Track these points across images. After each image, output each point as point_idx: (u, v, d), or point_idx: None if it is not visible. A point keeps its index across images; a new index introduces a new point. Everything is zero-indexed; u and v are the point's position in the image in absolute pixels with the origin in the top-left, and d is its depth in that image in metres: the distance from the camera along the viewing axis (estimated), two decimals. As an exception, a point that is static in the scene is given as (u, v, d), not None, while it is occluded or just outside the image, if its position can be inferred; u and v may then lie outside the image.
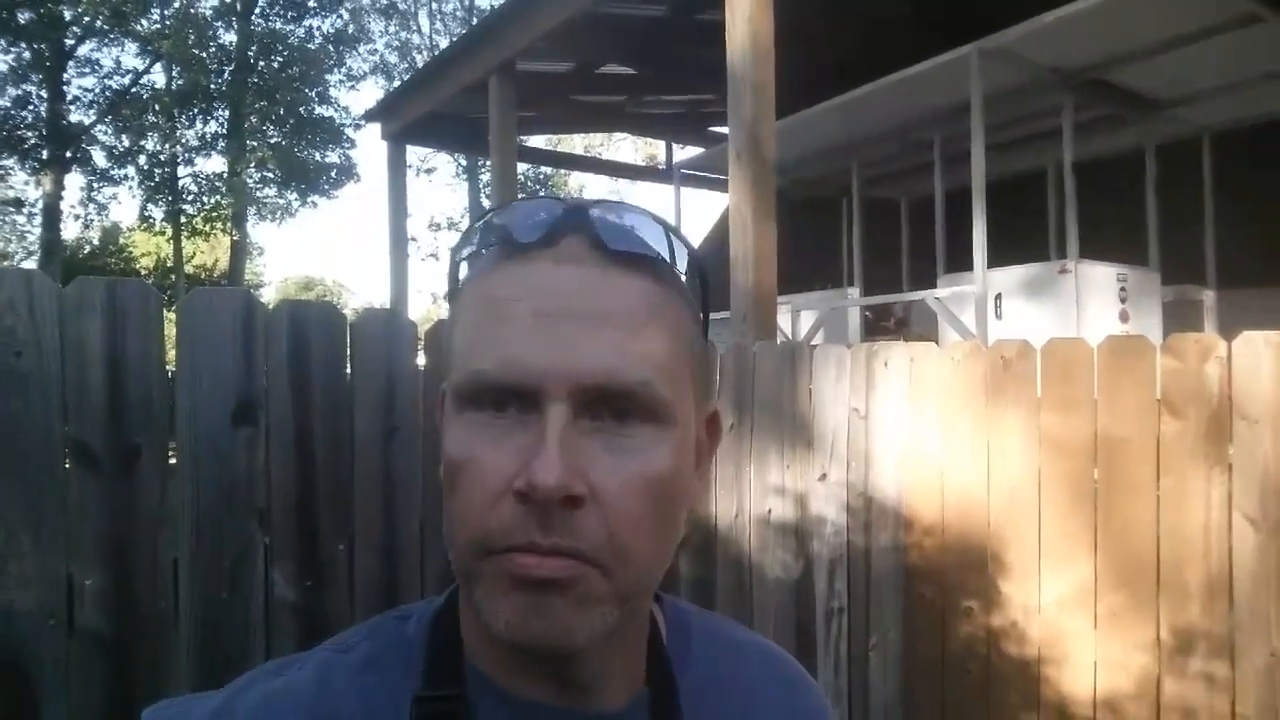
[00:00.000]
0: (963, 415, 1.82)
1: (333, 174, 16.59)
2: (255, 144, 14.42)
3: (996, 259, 4.28)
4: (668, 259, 0.47)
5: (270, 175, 15.09)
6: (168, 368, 1.35)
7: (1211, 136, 5.18)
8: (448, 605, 0.51)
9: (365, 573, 1.47)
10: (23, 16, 10.63)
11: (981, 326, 4.18)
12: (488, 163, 6.88)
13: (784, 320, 5.33)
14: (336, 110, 16.98)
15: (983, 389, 1.79)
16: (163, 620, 1.30)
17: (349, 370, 1.48)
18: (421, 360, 1.57)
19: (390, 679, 0.48)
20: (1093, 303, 4.08)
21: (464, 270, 0.48)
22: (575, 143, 18.48)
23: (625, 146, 21.68)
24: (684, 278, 0.48)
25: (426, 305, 23.09)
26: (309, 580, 1.42)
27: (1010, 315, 4.22)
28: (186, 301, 1.36)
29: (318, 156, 15.86)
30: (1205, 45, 4.02)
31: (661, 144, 10.29)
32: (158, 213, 14.71)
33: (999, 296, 4.26)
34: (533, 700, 0.47)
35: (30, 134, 12.14)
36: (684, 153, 9.02)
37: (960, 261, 4.56)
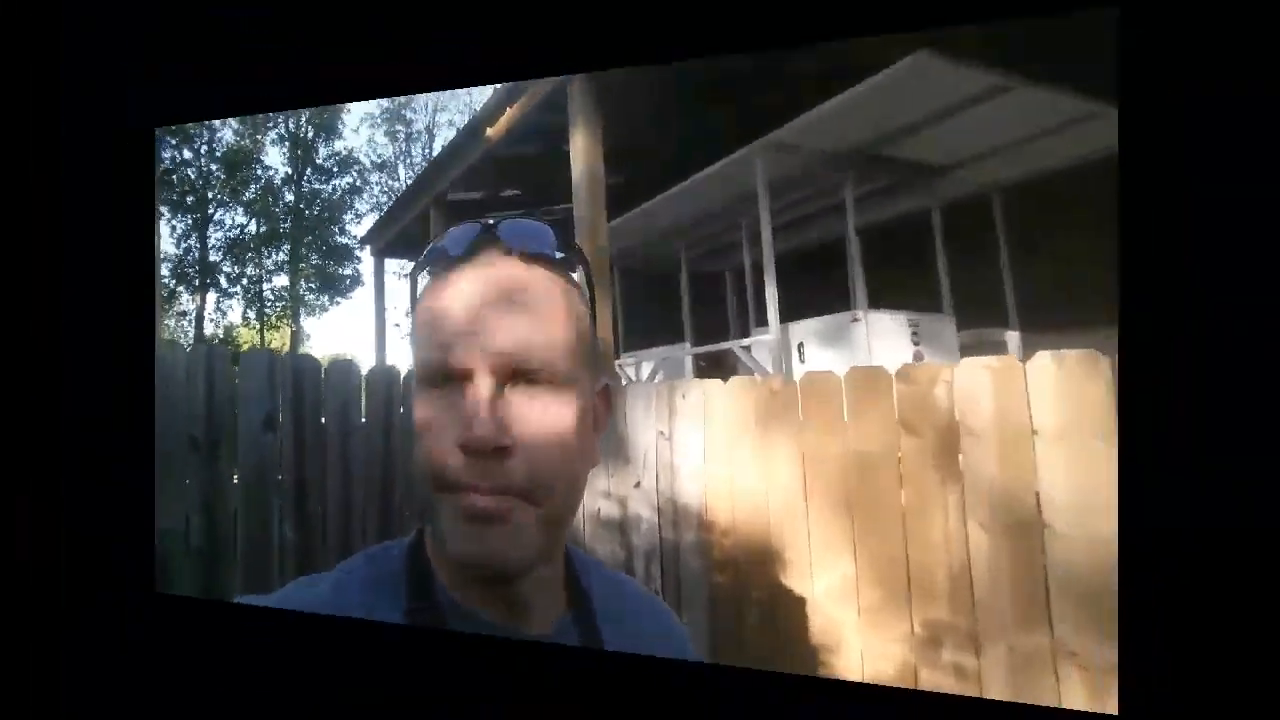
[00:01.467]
0: (744, 436, 2.07)
1: (347, 281, 18.97)
2: (304, 265, 16.99)
3: (804, 314, 4.72)
4: (562, 259, 0.58)
5: (312, 286, 17.57)
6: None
7: (999, 191, 5.34)
8: (418, 540, 0.63)
9: (334, 525, 2.39)
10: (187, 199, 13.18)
11: (787, 369, 4.58)
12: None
13: (634, 371, 5.79)
14: (348, 238, 19.37)
15: (755, 415, 2.04)
16: (226, 546, 2.26)
17: (323, 397, 2.43)
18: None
19: (384, 599, 0.60)
20: (884, 346, 4.54)
21: (419, 286, 0.62)
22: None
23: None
24: (575, 275, 0.60)
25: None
26: (301, 528, 2.34)
27: (812, 360, 4.65)
28: (244, 358, 2.39)
29: (340, 271, 18.27)
30: (970, 114, 4.22)
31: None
32: (252, 314, 16.98)
33: (801, 345, 4.70)
34: (485, 617, 0.60)
35: (190, 270, 14.62)
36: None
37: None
